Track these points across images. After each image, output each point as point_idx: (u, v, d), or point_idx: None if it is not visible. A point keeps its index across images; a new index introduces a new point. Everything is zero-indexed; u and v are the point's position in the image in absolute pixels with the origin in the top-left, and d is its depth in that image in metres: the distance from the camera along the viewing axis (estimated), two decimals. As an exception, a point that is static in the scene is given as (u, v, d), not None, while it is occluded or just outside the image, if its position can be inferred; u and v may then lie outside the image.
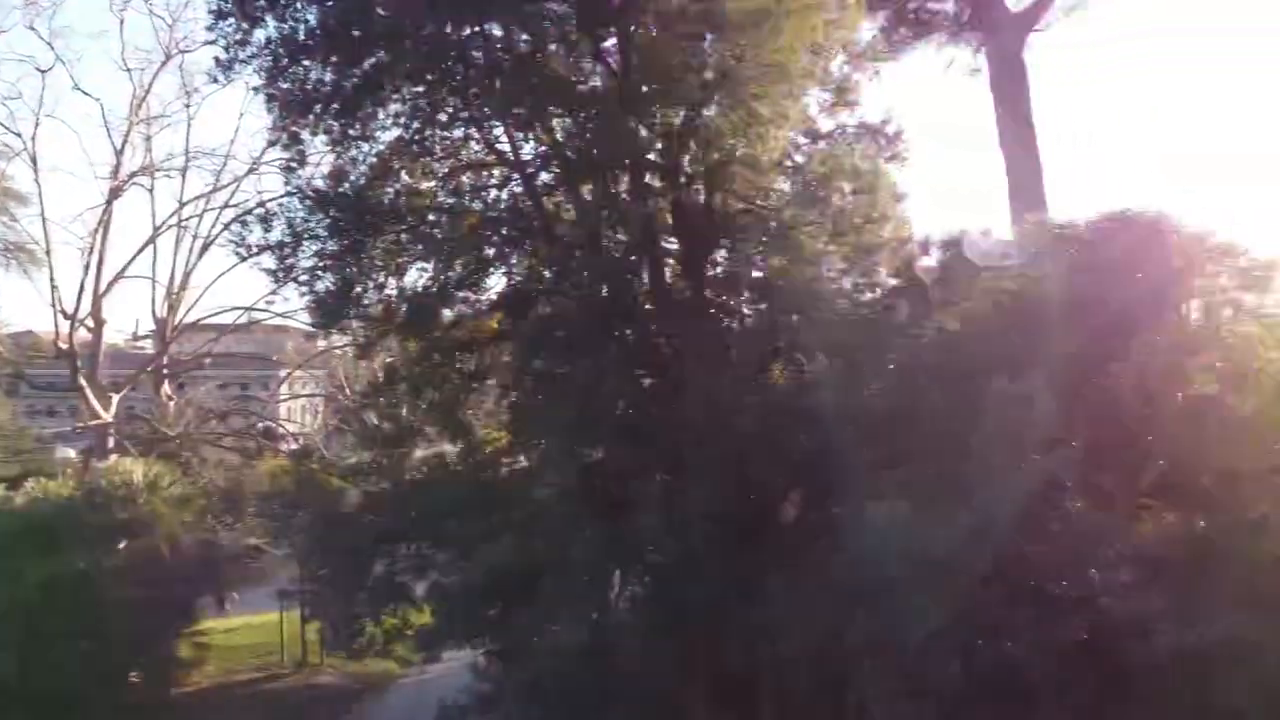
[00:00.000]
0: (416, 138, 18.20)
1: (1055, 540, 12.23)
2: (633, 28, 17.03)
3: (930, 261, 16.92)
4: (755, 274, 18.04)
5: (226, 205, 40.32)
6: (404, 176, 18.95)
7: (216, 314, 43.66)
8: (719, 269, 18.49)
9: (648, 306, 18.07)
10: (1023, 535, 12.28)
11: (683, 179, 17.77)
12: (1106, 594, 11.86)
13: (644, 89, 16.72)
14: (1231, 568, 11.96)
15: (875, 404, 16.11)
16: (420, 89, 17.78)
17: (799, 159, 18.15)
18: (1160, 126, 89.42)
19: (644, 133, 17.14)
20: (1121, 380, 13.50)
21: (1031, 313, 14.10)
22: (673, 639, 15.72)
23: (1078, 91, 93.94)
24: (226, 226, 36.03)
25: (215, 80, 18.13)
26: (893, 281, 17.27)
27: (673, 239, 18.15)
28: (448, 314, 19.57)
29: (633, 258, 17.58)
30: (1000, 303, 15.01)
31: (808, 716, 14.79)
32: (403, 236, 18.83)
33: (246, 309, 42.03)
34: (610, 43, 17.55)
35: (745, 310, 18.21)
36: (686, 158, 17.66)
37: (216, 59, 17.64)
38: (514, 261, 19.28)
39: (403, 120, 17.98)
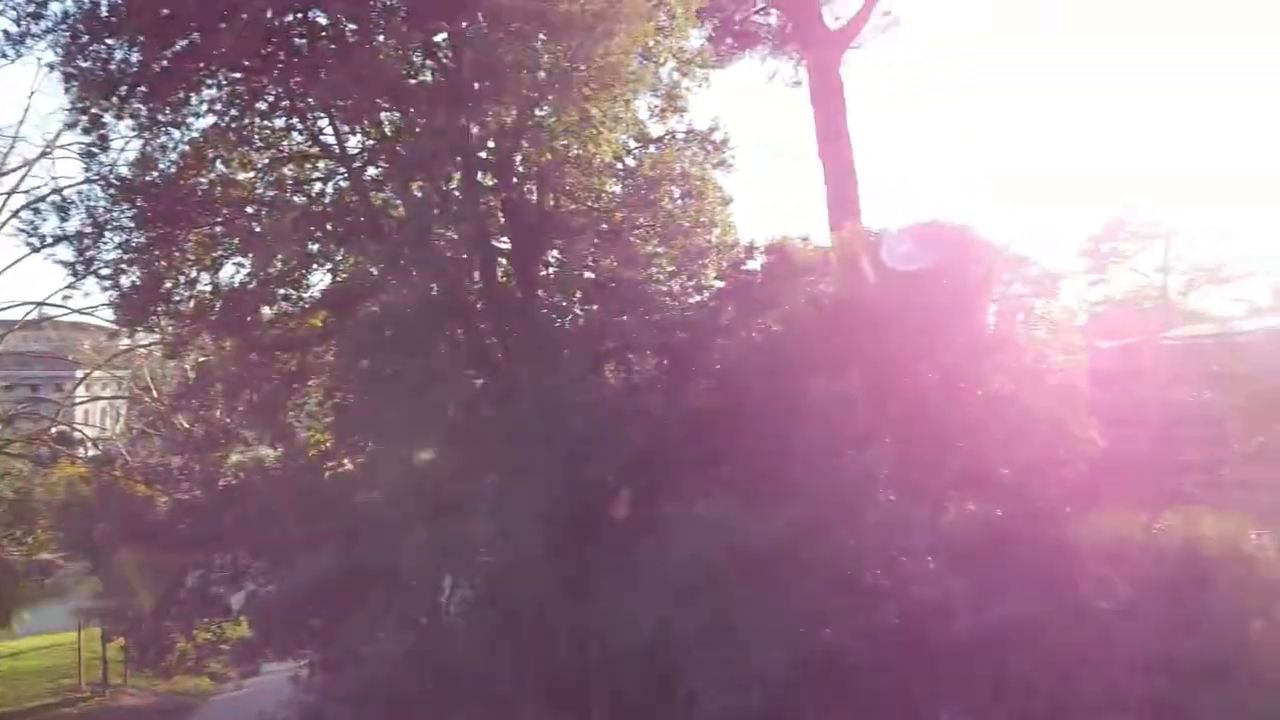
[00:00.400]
0: (234, 125, 17.29)
1: (870, 531, 12.95)
2: (465, 24, 16.83)
3: (755, 265, 17.61)
4: (587, 274, 18.21)
5: (15, 191, 36.91)
6: (220, 166, 17.98)
7: (2, 309, 40.00)
8: (551, 269, 18.55)
9: (479, 306, 17.90)
10: (841, 527, 12.96)
11: (515, 178, 17.72)
12: (915, 581, 12.67)
13: (476, 86, 16.55)
14: (1023, 553, 13.02)
15: (703, 403, 16.62)
16: (238, 75, 16.91)
17: (630, 162, 18.48)
18: (968, 142, 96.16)
19: (476, 130, 16.97)
20: (928, 379, 14.48)
21: (848, 316, 14.91)
22: (505, 641, 15.62)
23: (892, 107, 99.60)
24: (15, 214, 32.93)
25: (3, 55, 16.58)
26: (719, 284, 17.85)
27: (505, 238, 18.05)
28: (267, 312, 18.76)
29: (464, 256, 17.35)
30: (820, 306, 15.78)
31: (639, 712, 15.05)
32: (218, 229, 17.89)
33: (38, 304, 38.67)
34: (441, 37, 17.27)
35: (577, 310, 18.34)
36: (519, 157, 17.62)
37: (5, 32, 16.24)
38: (339, 258, 18.66)
39: (218, 107, 17.04)
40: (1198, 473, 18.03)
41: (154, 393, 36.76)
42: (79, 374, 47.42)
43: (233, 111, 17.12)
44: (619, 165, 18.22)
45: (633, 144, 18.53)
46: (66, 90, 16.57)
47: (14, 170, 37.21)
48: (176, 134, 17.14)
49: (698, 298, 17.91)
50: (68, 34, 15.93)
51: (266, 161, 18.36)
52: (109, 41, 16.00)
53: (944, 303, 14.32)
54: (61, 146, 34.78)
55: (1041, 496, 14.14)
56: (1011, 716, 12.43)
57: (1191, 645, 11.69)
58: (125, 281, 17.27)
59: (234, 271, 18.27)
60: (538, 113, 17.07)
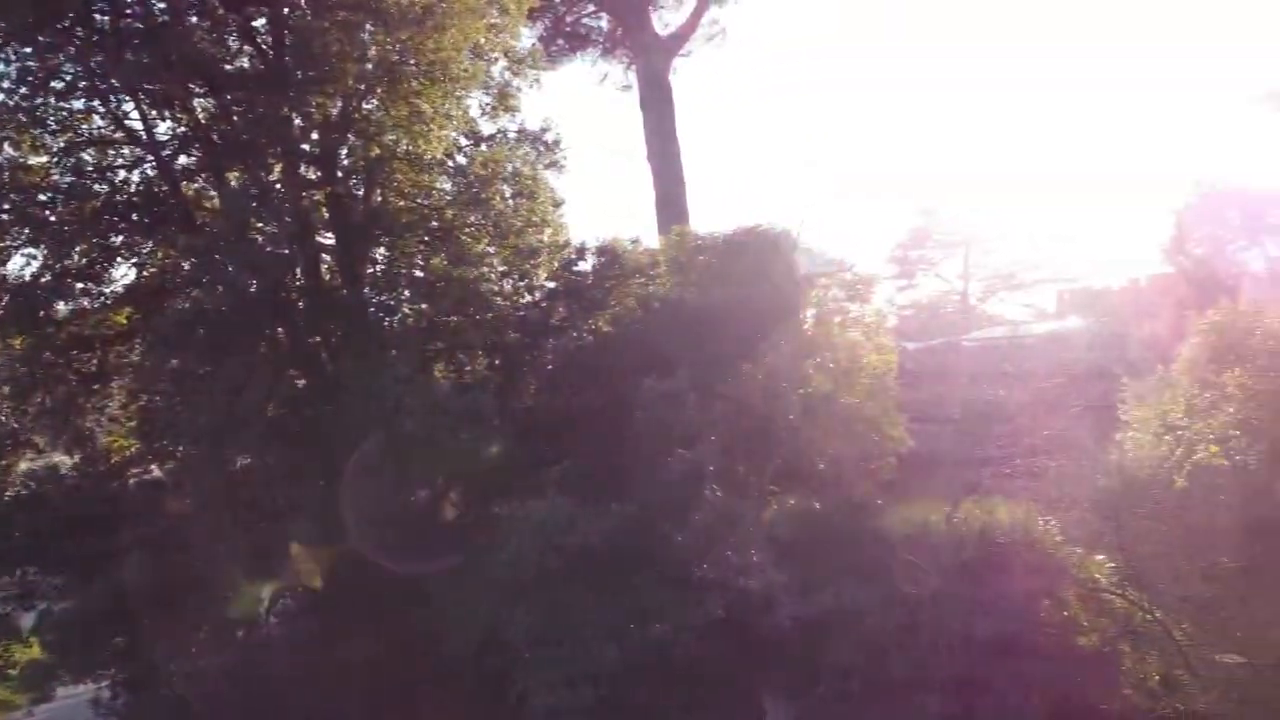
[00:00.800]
0: (24, 105, 15.95)
1: (697, 527, 13.33)
2: (285, 9, 16.18)
3: (586, 266, 17.78)
4: (416, 273, 17.86)
5: None
6: (8, 149, 16.54)
7: None
8: (379, 266, 18.06)
9: (302, 303, 17.22)
10: (670, 523, 13.28)
11: (340, 172, 17.17)
12: (740, 573, 13.14)
13: (299, 75, 15.93)
14: (840, 544, 13.75)
15: (535, 403, 16.65)
16: (29, 50, 15.64)
17: (461, 160, 18.23)
18: (800, 146, 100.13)
19: (298, 120, 16.33)
20: (752, 379, 15.05)
21: (676, 317, 15.30)
22: (330, 651, 15.13)
23: (720, 112, 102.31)
24: None
25: None
26: (551, 284, 17.92)
27: (329, 234, 17.45)
28: (63, 307, 17.36)
29: (285, 251, 16.63)
30: (649, 307, 16.12)
31: (470, 715, 14.90)
32: (5, 217, 16.45)
33: None
34: (261, 22, 16.55)
35: (406, 309, 17.93)
36: (344, 150, 17.08)
37: None
38: (146, 251, 17.50)
39: (6, 84, 15.75)
40: (993, 465, 19.57)
41: (-74, 395, 33.46)
42: None
43: (23, 90, 15.84)
44: (449, 162, 17.95)
45: (464, 141, 18.31)
46: None
47: None
48: (-45, 111, 15.71)
49: (529, 298, 17.90)
50: None
51: (63, 145, 16.99)
52: (-128, 6, 14.50)
53: (767, 306, 14.92)
54: None
55: (856, 490, 14.98)
56: (829, 698, 13.10)
57: (988, 624, 12.68)
58: (-105, 273, 15.70)
59: (24, 263, 16.83)
60: (365, 106, 16.61)
